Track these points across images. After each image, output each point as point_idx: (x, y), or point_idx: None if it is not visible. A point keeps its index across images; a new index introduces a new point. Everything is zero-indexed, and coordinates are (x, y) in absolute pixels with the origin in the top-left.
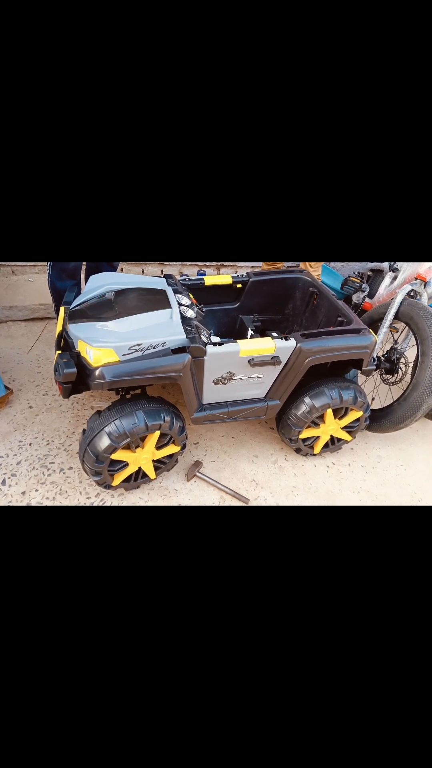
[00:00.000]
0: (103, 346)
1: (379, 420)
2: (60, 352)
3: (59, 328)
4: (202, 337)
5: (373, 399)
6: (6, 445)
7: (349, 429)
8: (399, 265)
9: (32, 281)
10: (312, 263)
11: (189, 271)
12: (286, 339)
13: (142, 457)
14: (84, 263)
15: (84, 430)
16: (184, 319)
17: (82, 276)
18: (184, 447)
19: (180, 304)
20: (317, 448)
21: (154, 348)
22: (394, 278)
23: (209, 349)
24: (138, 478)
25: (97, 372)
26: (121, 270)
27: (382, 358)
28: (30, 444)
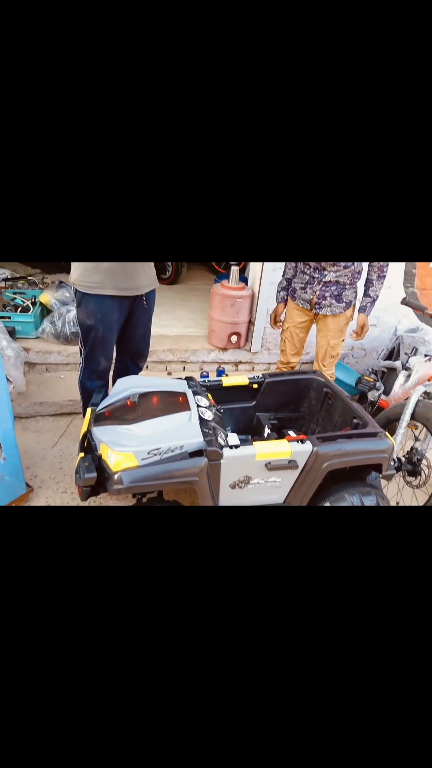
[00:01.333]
0: (123, 450)
1: None
2: (83, 455)
3: (84, 429)
4: (219, 439)
5: (398, 503)
6: None
7: None
8: (411, 364)
9: (63, 378)
10: (324, 363)
11: (209, 367)
12: (302, 442)
13: None
14: (112, 365)
15: None
16: (202, 421)
17: (110, 377)
18: None
19: (199, 406)
20: None
21: (172, 451)
22: (408, 375)
23: (225, 452)
24: None
25: (115, 477)
26: (147, 367)
27: (404, 460)
28: None
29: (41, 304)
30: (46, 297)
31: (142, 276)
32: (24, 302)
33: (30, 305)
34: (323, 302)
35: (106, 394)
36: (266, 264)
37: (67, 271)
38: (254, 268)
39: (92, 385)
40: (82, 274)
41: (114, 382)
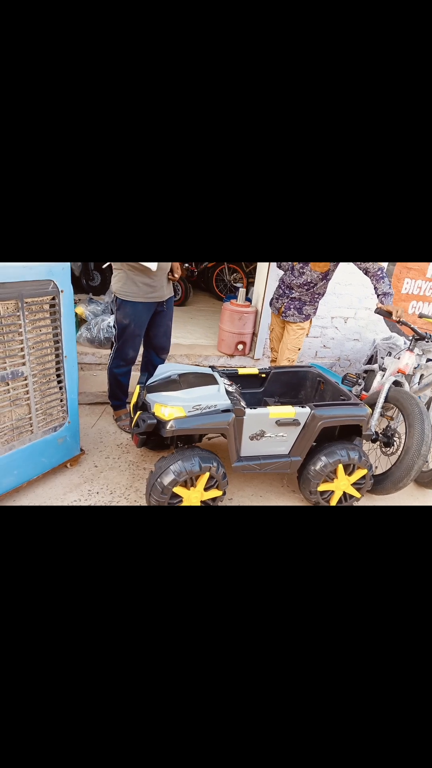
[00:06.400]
0: (175, 404)
1: (382, 483)
2: (141, 412)
3: (135, 399)
4: (241, 403)
5: (376, 467)
6: (78, 493)
7: (358, 486)
8: (385, 364)
9: (96, 376)
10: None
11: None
12: (302, 407)
13: (194, 496)
14: (140, 358)
15: (151, 471)
16: (228, 392)
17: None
18: (224, 493)
19: (224, 383)
20: (333, 502)
21: (209, 408)
22: (384, 374)
23: (247, 410)
24: None
25: (169, 423)
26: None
27: (380, 434)
28: (97, 492)
29: (77, 315)
30: (81, 309)
31: (164, 287)
32: None
33: None
34: (288, 312)
35: (128, 377)
36: (269, 288)
37: (87, 291)
38: (258, 290)
39: (119, 371)
40: (122, 286)
41: (141, 373)
